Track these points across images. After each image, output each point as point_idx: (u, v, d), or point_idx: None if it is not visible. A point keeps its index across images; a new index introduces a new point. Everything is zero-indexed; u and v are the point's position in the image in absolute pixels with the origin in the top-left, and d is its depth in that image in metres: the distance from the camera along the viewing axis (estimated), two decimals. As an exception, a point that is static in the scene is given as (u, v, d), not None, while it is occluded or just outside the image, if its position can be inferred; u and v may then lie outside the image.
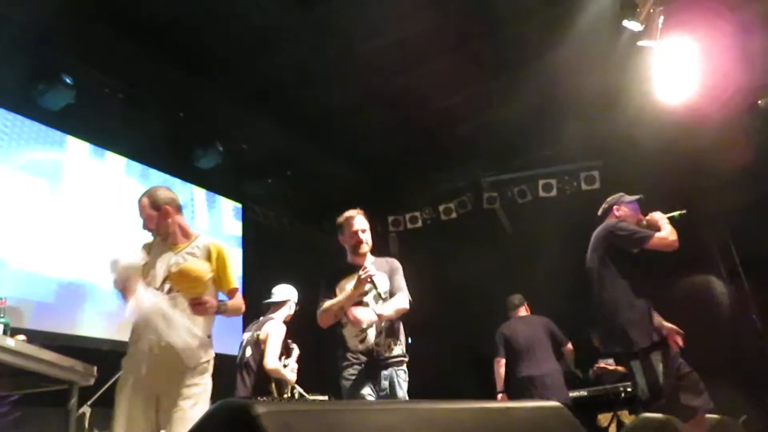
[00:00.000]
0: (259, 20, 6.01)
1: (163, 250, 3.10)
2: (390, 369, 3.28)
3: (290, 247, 8.39)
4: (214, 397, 3.02)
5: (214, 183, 7.45)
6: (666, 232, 3.55)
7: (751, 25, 5.93)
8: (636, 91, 6.67)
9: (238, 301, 3.14)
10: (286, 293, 4.99)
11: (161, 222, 3.11)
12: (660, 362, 3.31)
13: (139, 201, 3.19)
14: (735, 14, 5.60)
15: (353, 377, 3.24)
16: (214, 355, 3.09)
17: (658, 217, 3.74)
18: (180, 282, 2.84)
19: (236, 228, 7.77)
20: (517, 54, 7.02)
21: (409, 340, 9.67)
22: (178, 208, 3.18)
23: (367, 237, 3.56)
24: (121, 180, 6.30)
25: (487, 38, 6.75)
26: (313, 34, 6.34)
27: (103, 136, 6.20)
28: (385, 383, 3.27)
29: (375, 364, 3.31)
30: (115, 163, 6.34)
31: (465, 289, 8.56)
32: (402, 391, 3.31)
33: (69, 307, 5.44)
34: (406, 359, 3.48)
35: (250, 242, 7.76)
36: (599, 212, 4.05)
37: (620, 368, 5.88)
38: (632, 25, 5.59)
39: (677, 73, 5.79)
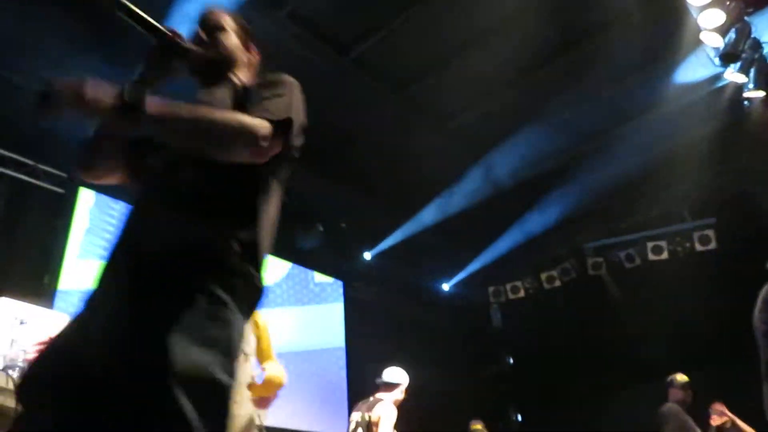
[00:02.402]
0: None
1: None
2: None
3: (389, 322, 8.44)
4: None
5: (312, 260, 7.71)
6: None
7: None
8: (746, 141, 6.31)
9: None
10: (398, 376, 4.95)
11: None
12: None
13: None
14: None
15: None
16: None
17: None
18: (265, 391, 2.80)
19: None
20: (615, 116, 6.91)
21: (520, 417, 9.27)
22: None
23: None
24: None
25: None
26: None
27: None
28: None
29: None
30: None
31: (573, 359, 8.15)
32: None
33: None
34: None
35: (350, 319, 7.86)
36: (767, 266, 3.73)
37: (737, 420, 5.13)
38: (735, 77, 5.35)
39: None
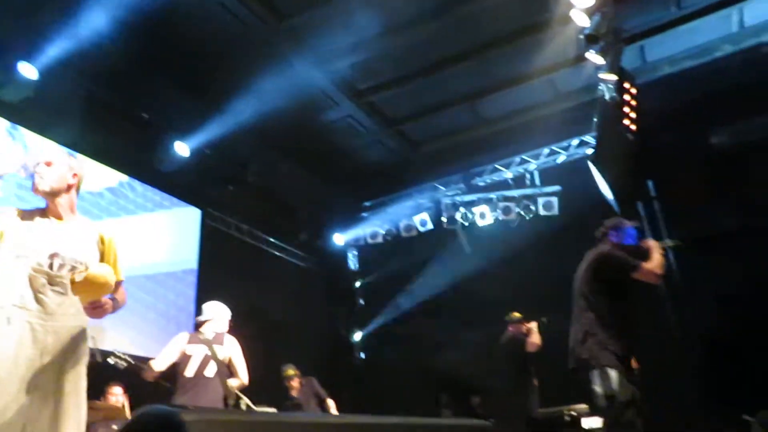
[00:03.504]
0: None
1: (40, 218, 2.73)
2: None
3: (246, 254, 8.36)
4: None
5: (173, 186, 7.35)
6: (653, 264, 3.59)
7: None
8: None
9: (123, 294, 2.87)
10: (225, 310, 4.95)
11: (64, 189, 2.74)
12: (617, 377, 3.37)
13: (55, 156, 2.80)
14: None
15: None
16: None
17: (653, 245, 3.79)
18: (86, 290, 2.57)
19: (194, 233, 7.67)
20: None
21: (363, 355, 9.73)
22: (81, 185, 2.88)
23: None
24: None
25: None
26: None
27: (60, 131, 6.04)
28: None
29: None
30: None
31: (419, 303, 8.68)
32: None
33: None
34: None
35: (206, 248, 7.66)
36: (597, 234, 4.08)
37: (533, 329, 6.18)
38: (595, 58, 5.75)
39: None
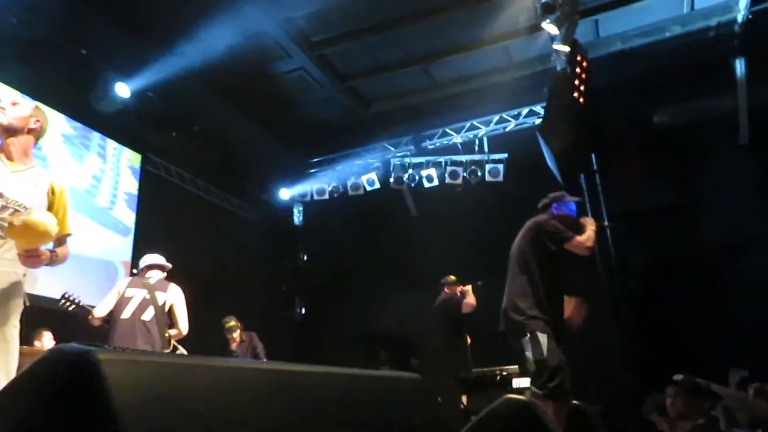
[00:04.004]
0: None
1: None
2: None
3: (187, 204, 8.17)
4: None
5: (113, 129, 7.04)
6: (585, 237, 3.74)
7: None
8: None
9: (66, 249, 2.78)
10: (163, 259, 4.88)
11: (22, 131, 2.69)
12: (547, 342, 3.48)
13: (24, 101, 2.79)
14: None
15: None
16: None
17: (589, 223, 3.94)
18: (23, 235, 2.43)
19: (133, 179, 7.41)
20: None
21: (304, 310, 9.76)
22: (41, 135, 2.81)
23: None
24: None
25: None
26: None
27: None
28: None
29: None
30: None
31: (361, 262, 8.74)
32: None
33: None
34: None
35: (146, 195, 7.42)
36: (539, 205, 4.17)
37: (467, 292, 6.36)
38: (550, 27, 5.78)
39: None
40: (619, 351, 7.13)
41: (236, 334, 6.55)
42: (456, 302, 6.33)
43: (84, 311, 4.46)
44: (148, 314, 4.52)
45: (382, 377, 1.37)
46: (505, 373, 6.64)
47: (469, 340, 6.38)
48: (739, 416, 4.35)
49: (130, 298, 4.56)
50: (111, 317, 4.51)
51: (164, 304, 4.62)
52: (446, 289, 6.51)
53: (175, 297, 4.72)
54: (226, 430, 0.86)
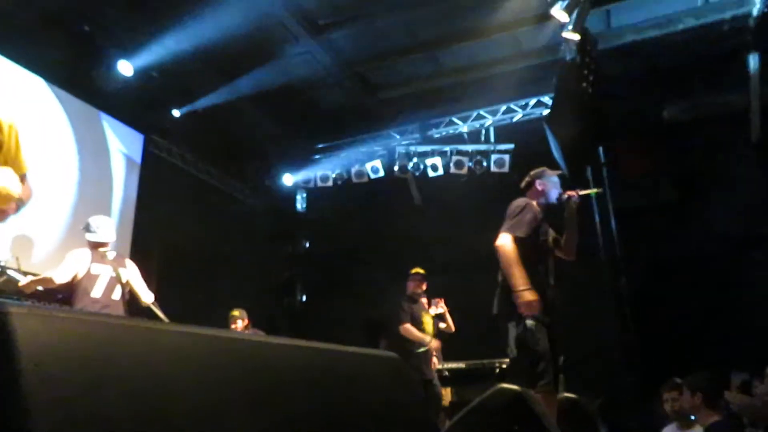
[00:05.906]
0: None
1: None
2: None
3: (189, 186, 8.12)
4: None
5: (115, 108, 6.98)
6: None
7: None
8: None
9: (29, 190, 2.55)
10: (113, 231, 4.82)
11: None
12: (534, 328, 3.40)
13: None
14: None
15: None
16: None
17: (573, 194, 3.80)
18: None
19: (133, 160, 7.35)
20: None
21: (305, 297, 9.71)
22: None
23: None
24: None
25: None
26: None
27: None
28: None
29: None
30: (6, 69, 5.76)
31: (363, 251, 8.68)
32: None
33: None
34: None
35: (147, 176, 7.36)
36: (522, 185, 4.07)
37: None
38: (560, 14, 5.65)
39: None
40: (621, 346, 7.03)
41: (236, 325, 6.42)
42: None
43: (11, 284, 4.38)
44: (117, 293, 4.54)
45: (353, 354, 1.30)
46: (504, 366, 6.57)
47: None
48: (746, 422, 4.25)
49: (97, 276, 4.50)
50: (73, 292, 4.43)
51: (127, 281, 4.64)
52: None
53: (132, 272, 4.73)
54: (156, 397, 0.79)
